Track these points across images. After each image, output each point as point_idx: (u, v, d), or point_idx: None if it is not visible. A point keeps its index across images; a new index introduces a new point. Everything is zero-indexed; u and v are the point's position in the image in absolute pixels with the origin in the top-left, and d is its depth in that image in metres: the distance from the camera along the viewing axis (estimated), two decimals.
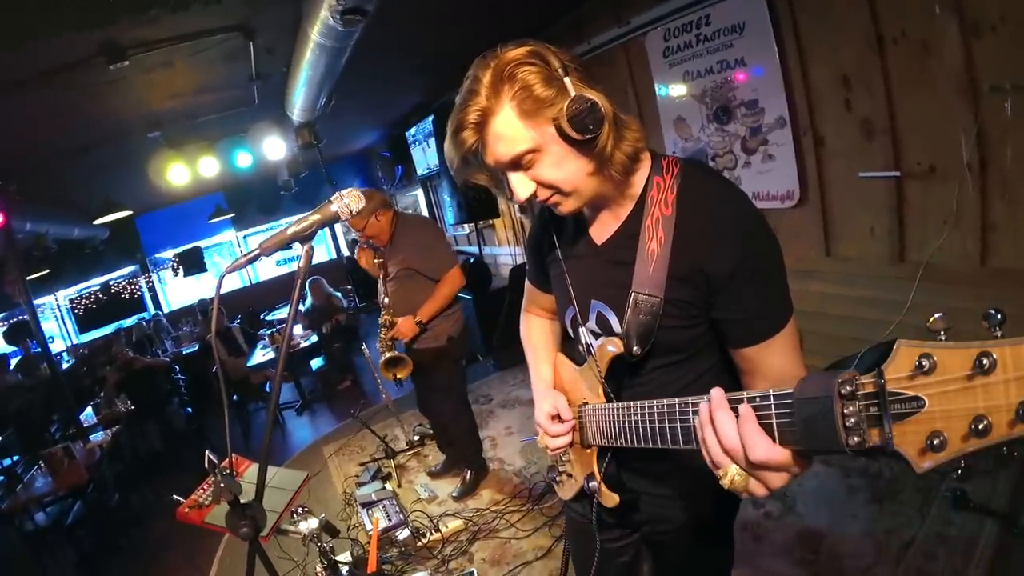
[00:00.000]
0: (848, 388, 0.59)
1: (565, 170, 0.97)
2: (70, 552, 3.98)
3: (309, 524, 2.03)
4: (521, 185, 0.99)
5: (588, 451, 1.17)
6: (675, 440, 0.88)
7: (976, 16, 2.17)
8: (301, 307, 7.11)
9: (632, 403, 0.99)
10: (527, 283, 1.45)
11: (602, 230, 1.12)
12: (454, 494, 3.49)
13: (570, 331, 1.24)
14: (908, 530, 2.26)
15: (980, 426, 0.50)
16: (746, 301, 0.96)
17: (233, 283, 9.68)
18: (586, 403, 1.16)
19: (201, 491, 2.00)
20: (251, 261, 1.21)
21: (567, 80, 0.92)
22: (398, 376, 3.18)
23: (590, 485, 1.14)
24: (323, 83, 3.70)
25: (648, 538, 1.33)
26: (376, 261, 3.27)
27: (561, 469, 1.31)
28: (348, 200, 1.19)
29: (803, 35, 2.80)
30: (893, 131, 2.57)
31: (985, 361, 0.49)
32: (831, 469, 2.71)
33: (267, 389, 5.95)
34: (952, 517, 2.24)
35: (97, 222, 5.00)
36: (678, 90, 3.66)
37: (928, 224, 2.61)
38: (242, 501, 1.27)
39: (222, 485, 1.16)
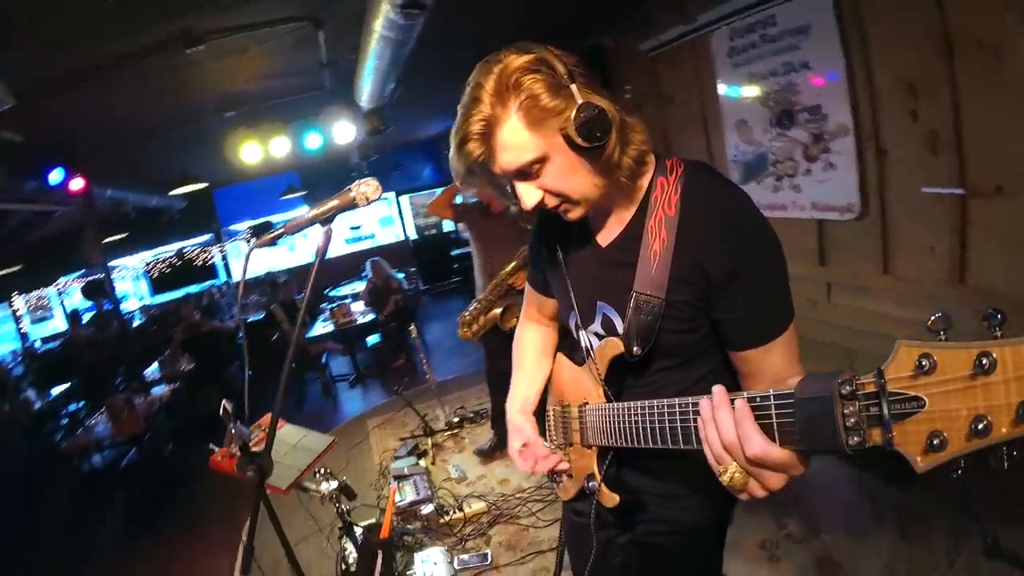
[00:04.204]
0: (848, 388, 0.60)
1: (573, 178, 0.97)
2: (120, 494, 4.37)
3: (329, 485, 2.16)
4: (528, 194, 1.00)
5: (588, 451, 1.17)
6: (675, 440, 0.89)
7: None
8: (360, 286, 7.38)
9: (632, 403, 1.00)
10: (527, 287, 1.44)
11: (606, 232, 1.13)
12: None
13: (573, 333, 1.24)
14: (935, 572, 2.17)
15: (980, 426, 0.50)
16: (747, 303, 0.96)
17: (303, 258, 10.14)
18: (586, 403, 1.17)
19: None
20: (275, 239, 1.31)
21: (573, 87, 0.92)
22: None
23: (590, 485, 1.15)
24: (389, 72, 3.82)
25: (640, 539, 1.33)
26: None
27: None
28: (365, 188, 1.26)
29: (870, 39, 2.67)
30: (959, 145, 2.42)
31: (985, 361, 0.50)
32: (863, 499, 2.61)
33: (324, 360, 6.24)
34: (982, 565, 2.12)
35: (173, 193, 5.38)
36: (742, 92, 3.57)
37: (992, 247, 2.45)
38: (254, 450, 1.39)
39: (233, 431, 1.28)
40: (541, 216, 1.26)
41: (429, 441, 4.20)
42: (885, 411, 0.57)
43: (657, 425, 0.92)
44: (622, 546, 1.36)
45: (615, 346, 1.06)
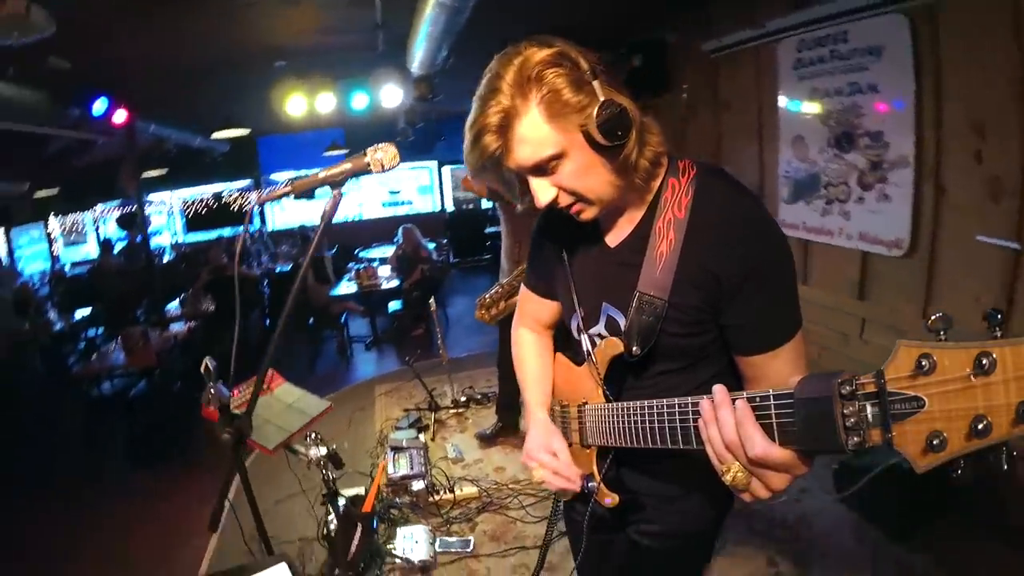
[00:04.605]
0: (848, 388, 0.59)
1: (590, 177, 0.95)
2: (123, 425, 4.47)
3: (318, 451, 2.14)
4: (543, 191, 0.97)
5: (587, 451, 1.16)
6: (675, 440, 0.88)
7: None
8: (390, 250, 7.38)
9: (632, 403, 0.99)
10: (523, 291, 1.39)
11: (615, 232, 1.10)
12: None
13: (574, 335, 1.22)
14: None
15: (980, 426, 0.50)
16: (757, 308, 0.96)
17: (339, 216, 10.18)
18: (585, 403, 1.15)
19: (234, 394, 2.15)
20: (281, 197, 1.26)
21: (596, 84, 0.90)
22: None
23: (589, 485, 1.14)
24: (442, 40, 3.76)
25: (638, 539, 1.31)
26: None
27: None
28: (381, 155, 1.21)
29: (944, 71, 2.50)
30: (1023, 196, 2.26)
31: (985, 361, 0.49)
32: (862, 550, 2.49)
33: (343, 320, 6.28)
34: None
35: (215, 136, 5.41)
36: (803, 107, 3.42)
37: None
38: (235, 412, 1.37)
39: (212, 392, 1.25)
40: (546, 217, 1.23)
41: (432, 416, 4.19)
42: (885, 411, 0.57)
43: (657, 425, 0.92)
44: (619, 546, 1.36)
45: (615, 346, 1.05)
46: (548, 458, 1.15)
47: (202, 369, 1.28)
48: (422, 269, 6.65)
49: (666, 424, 0.89)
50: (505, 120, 0.91)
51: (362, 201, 10.72)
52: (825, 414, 0.60)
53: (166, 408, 4.62)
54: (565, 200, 0.98)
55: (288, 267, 7.10)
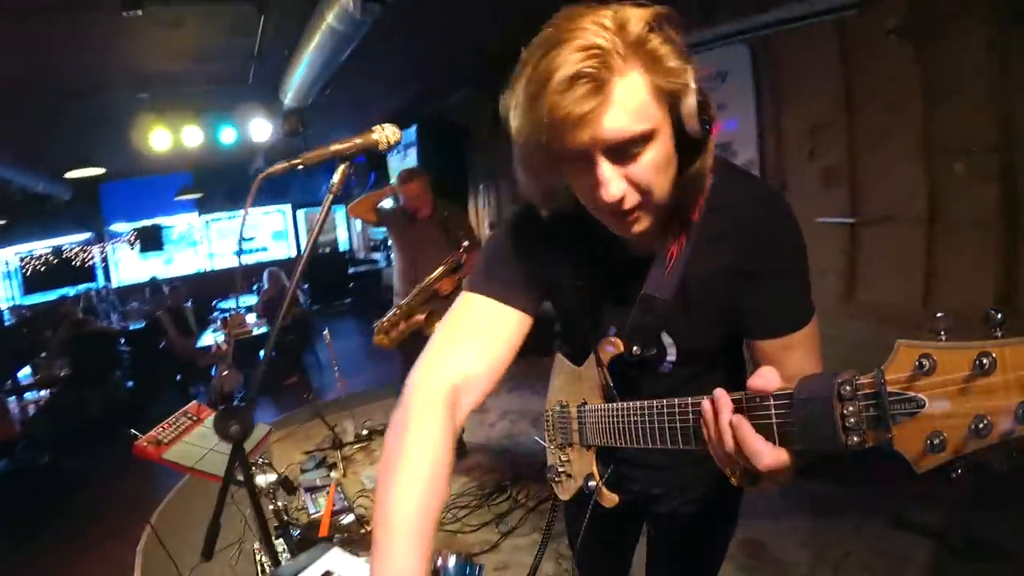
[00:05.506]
0: (848, 388, 0.59)
1: (665, 174, 0.79)
2: None
3: (268, 477, 2.00)
4: (615, 182, 0.76)
5: (588, 451, 1.13)
6: (675, 441, 0.85)
7: (937, 85, 2.46)
8: (251, 299, 6.94)
9: (632, 403, 0.95)
10: (466, 300, 1.02)
11: (641, 241, 0.95)
12: None
13: (591, 348, 1.08)
14: (846, 544, 2.42)
15: (980, 426, 0.49)
16: (774, 295, 0.90)
17: (190, 267, 9.46)
18: (585, 403, 1.13)
19: (162, 428, 1.96)
20: (291, 168, 1.21)
21: (690, 66, 0.75)
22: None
23: (589, 485, 1.12)
24: (323, 70, 3.76)
25: (650, 510, 1.29)
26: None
27: (561, 469, 1.25)
28: (388, 132, 1.24)
29: (780, 87, 3.09)
30: (852, 181, 2.84)
31: (985, 361, 0.49)
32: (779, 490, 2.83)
33: (212, 373, 5.75)
34: (889, 534, 2.41)
35: (69, 175, 4.76)
36: None
37: (876, 268, 2.86)
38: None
39: (226, 374, 1.19)
40: (521, 221, 1.05)
41: (339, 454, 3.99)
42: (885, 411, 0.56)
43: (657, 425, 0.89)
44: (626, 537, 1.37)
45: (615, 346, 1.01)
46: None
47: (213, 350, 1.19)
48: (292, 313, 6.32)
49: (666, 424, 0.86)
50: (605, 69, 0.69)
51: (212, 252, 9.98)
52: (825, 414, 0.60)
53: (38, 484, 3.97)
54: (632, 200, 0.79)
55: (142, 324, 6.36)
